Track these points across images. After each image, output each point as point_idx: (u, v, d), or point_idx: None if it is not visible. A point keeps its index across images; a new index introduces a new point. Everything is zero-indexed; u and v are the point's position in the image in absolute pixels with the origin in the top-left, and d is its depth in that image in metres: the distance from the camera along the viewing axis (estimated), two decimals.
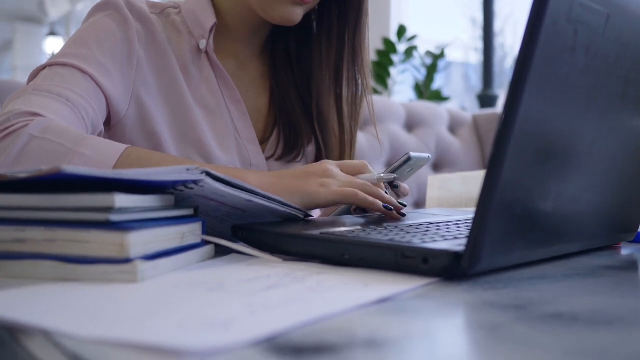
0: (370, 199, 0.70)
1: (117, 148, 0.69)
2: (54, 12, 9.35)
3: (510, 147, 0.45)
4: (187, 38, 0.91)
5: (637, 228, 0.71)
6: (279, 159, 0.97)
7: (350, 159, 1.00)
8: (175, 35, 0.90)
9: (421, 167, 0.86)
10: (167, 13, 0.92)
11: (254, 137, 0.94)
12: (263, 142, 0.97)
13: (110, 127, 0.86)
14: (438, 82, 3.38)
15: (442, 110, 2.00)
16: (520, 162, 0.48)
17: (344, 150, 0.99)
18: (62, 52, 0.83)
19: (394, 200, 0.72)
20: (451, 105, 3.63)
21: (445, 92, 3.31)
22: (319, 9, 0.96)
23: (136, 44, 0.85)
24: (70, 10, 9.53)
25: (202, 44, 0.90)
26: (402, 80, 3.29)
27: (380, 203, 0.70)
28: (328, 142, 0.98)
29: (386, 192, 0.82)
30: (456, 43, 5.39)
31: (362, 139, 1.63)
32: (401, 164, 0.79)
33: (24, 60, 8.99)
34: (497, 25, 4.20)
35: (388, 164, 1.73)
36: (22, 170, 0.46)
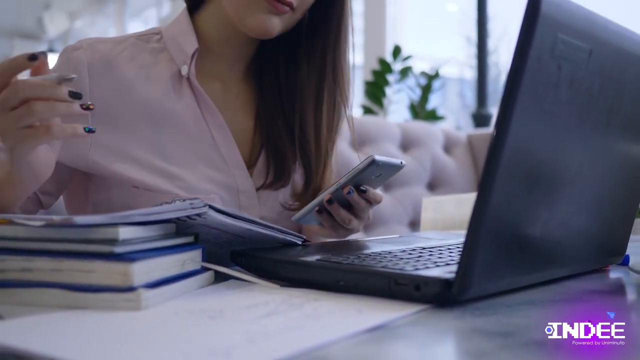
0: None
1: None
2: (53, 29, 9.40)
3: (499, 175, 0.47)
4: (168, 64, 0.89)
5: (625, 250, 0.72)
6: (267, 187, 0.94)
7: (326, 180, 0.97)
8: (153, 61, 0.89)
9: (394, 175, 0.82)
10: (146, 38, 0.91)
11: (241, 162, 0.91)
12: (250, 166, 0.94)
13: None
14: (434, 100, 3.41)
15: (436, 130, 2.03)
16: (509, 188, 0.50)
17: (317, 171, 0.96)
18: None
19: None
20: (447, 123, 3.66)
21: (441, 110, 3.34)
22: (306, 29, 0.95)
23: (86, 87, 0.83)
24: (69, 28, 9.60)
25: (184, 69, 0.88)
26: (398, 100, 3.33)
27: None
28: (311, 163, 0.95)
29: (350, 194, 0.77)
30: (451, 61, 5.44)
31: (356, 159, 1.64)
32: (364, 168, 0.75)
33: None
34: (491, 43, 4.24)
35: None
36: (36, 217, 0.48)
